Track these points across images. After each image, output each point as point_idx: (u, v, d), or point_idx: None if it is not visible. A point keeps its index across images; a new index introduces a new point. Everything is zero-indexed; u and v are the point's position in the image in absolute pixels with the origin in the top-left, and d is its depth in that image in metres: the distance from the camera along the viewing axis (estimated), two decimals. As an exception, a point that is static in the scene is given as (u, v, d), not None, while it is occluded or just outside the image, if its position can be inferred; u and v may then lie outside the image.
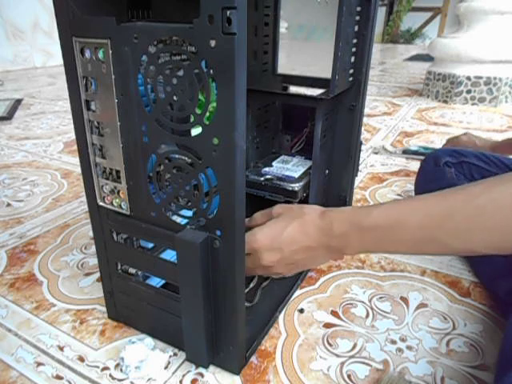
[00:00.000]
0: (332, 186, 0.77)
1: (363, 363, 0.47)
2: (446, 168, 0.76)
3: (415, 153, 1.19)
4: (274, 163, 0.73)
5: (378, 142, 1.28)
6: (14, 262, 0.66)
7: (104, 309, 0.53)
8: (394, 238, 0.41)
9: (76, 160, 1.09)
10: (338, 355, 0.48)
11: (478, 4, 1.67)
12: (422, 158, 1.15)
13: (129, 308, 0.50)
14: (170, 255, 0.47)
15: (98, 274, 0.61)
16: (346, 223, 0.43)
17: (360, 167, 1.05)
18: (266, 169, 0.71)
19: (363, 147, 1.16)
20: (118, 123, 0.38)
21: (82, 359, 0.47)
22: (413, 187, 0.86)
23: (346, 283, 0.60)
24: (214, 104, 0.33)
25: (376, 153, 1.20)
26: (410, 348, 0.49)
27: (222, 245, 0.38)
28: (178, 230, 0.39)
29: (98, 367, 0.46)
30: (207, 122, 0.34)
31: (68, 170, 1.05)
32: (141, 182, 0.40)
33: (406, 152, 1.19)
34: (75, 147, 0.44)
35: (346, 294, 0.58)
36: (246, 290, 0.55)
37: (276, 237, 0.46)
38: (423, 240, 0.39)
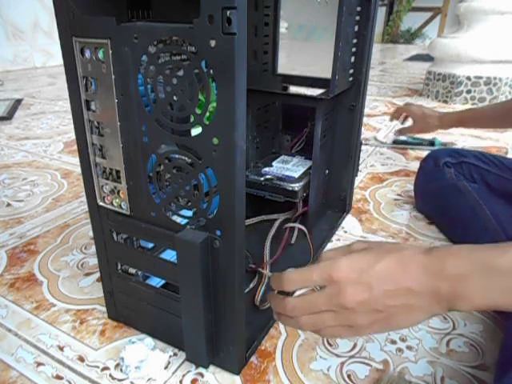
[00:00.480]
0: (332, 185, 0.77)
1: (363, 363, 0.47)
2: (445, 168, 0.76)
3: (404, 143, 1.23)
4: (274, 163, 0.73)
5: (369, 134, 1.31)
6: (14, 261, 0.66)
7: (104, 309, 0.53)
8: None
9: (76, 160, 1.09)
10: (338, 355, 0.48)
11: (477, 4, 1.67)
12: (410, 147, 1.20)
13: (129, 308, 0.50)
14: (170, 255, 0.47)
15: (97, 274, 0.61)
16: (466, 261, 0.32)
17: (360, 167, 1.05)
18: (266, 169, 0.71)
19: (363, 147, 1.16)
20: (118, 123, 0.38)
21: (81, 359, 0.47)
22: (413, 187, 0.86)
23: (346, 283, 0.60)
24: (214, 104, 0.33)
25: (366, 144, 1.22)
26: (409, 348, 0.49)
27: (221, 245, 0.38)
28: (178, 230, 0.39)
29: (98, 367, 0.46)
30: (207, 122, 0.34)
31: (68, 170, 1.05)
32: (141, 182, 0.40)
33: (396, 142, 1.23)
34: (75, 147, 0.44)
35: (346, 294, 0.58)
36: (246, 290, 0.55)
37: (366, 270, 0.34)
38: None
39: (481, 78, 1.69)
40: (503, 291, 0.31)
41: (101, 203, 0.44)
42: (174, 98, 0.34)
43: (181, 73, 0.33)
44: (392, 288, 0.33)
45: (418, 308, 0.34)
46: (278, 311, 0.39)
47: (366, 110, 1.62)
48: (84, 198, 0.57)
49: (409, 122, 1.10)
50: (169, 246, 0.42)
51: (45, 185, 0.95)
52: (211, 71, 0.32)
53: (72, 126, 0.41)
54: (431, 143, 1.20)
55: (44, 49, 2.82)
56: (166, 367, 0.46)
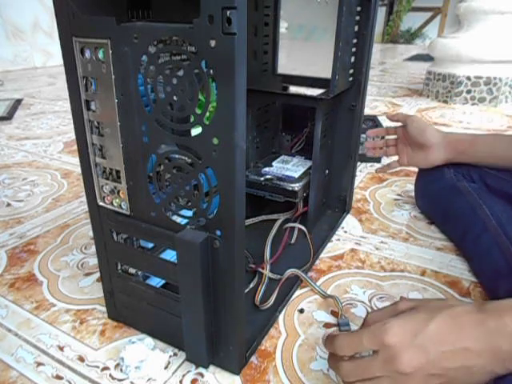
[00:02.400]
0: (332, 185, 0.77)
1: (363, 363, 0.47)
2: (444, 169, 0.75)
3: None
4: (274, 163, 0.73)
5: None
6: (14, 261, 0.66)
7: (104, 309, 0.53)
8: None
9: (76, 160, 1.09)
10: (338, 355, 0.48)
11: (477, 4, 1.67)
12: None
13: (129, 308, 0.50)
14: (170, 255, 0.47)
15: (97, 274, 0.61)
16: None
17: (360, 167, 1.05)
18: (266, 169, 0.71)
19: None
20: (118, 123, 0.38)
21: (82, 359, 0.47)
22: (413, 187, 0.86)
23: (346, 283, 0.60)
24: (214, 104, 0.33)
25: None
26: (410, 348, 0.49)
27: (222, 245, 0.38)
28: (178, 230, 0.39)
29: (98, 367, 0.46)
30: (207, 122, 0.34)
31: (68, 170, 1.05)
32: (141, 181, 0.40)
33: None
34: (75, 147, 0.44)
35: (346, 294, 0.58)
36: (246, 290, 0.56)
37: (419, 332, 0.33)
38: None
39: (481, 78, 1.70)
40: None
41: (101, 203, 0.44)
42: (174, 98, 0.35)
43: (181, 73, 0.33)
44: (449, 349, 0.32)
45: (478, 369, 0.32)
46: (337, 374, 0.38)
47: (366, 110, 1.62)
48: (84, 198, 0.58)
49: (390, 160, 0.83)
50: (169, 246, 0.42)
51: (45, 185, 0.95)
52: (211, 71, 0.32)
53: (72, 126, 0.41)
54: None
55: (44, 49, 2.82)
56: (166, 367, 0.46)
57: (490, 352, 0.31)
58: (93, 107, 0.40)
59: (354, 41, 0.63)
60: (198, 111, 0.34)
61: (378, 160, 1.07)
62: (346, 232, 0.75)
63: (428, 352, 0.32)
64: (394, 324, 0.34)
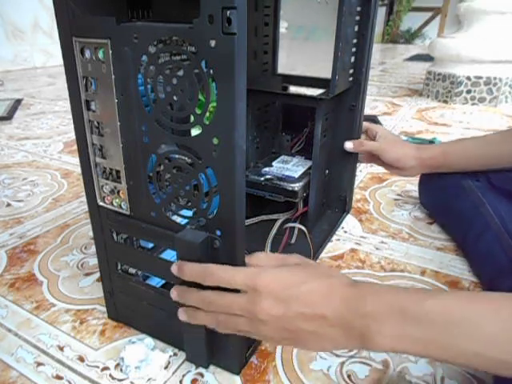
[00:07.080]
0: (332, 185, 0.77)
1: (363, 363, 0.47)
2: None
3: None
4: (274, 163, 0.73)
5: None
6: (14, 261, 0.66)
7: (104, 309, 0.53)
8: (449, 342, 0.30)
9: (76, 160, 1.09)
10: (337, 355, 0.48)
11: (477, 4, 1.67)
12: None
13: (129, 308, 0.50)
14: (170, 255, 0.47)
15: (98, 274, 0.61)
16: (384, 303, 0.32)
17: (360, 167, 1.05)
18: (266, 169, 0.71)
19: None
20: (118, 123, 0.38)
21: (82, 359, 0.47)
22: (413, 187, 0.86)
23: (346, 283, 0.60)
24: (214, 104, 0.33)
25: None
26: (410, 348, 0.49)
27: (221, 245, 0.38)
28: (178, 230, 0.39)
29: (98, 367, 0.46)
30: (207, 122, 0.34)
31: (68, 170, 1.05)
32: (141, 181, 0.40)
33: None
34: (75, 147, 0.44)
35: (346, 294, 0.58)
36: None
37: (290, 287, 0.34)
38: (492, 357, 0.29)
39: (481, 78, 1.69)
40: (413, 337, 0.30)
41: (101, 203, 0.44)
42: (174, 98, 0.35)
43: (181, 73, 0.33)
44: (308, 312, 0.33)
45: (327, 338, 0.34)
46: (190, 304, 0.38)
47: (366, 110, 1.62)
48: (84, 198, 0.57)
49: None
50: (169, 246, 0.42)
51: (45, 185, 0.95)
52: (211, 71, 0.32)
53: (72, 126, 0.41)
54: (431, 143, 1.20)
55: (44, 49, 2.81)
56: (166, 367, 0.46)
57: (342, 327, 0.33)
58: (93, 107, 0.40)
59: (354, 41, 0.63)
60: (198, 111, 0.34)
61: None
62: (346, 232, 0.75)
63: (289, 308, 0.34)
64: (271, 273, 0.36)
